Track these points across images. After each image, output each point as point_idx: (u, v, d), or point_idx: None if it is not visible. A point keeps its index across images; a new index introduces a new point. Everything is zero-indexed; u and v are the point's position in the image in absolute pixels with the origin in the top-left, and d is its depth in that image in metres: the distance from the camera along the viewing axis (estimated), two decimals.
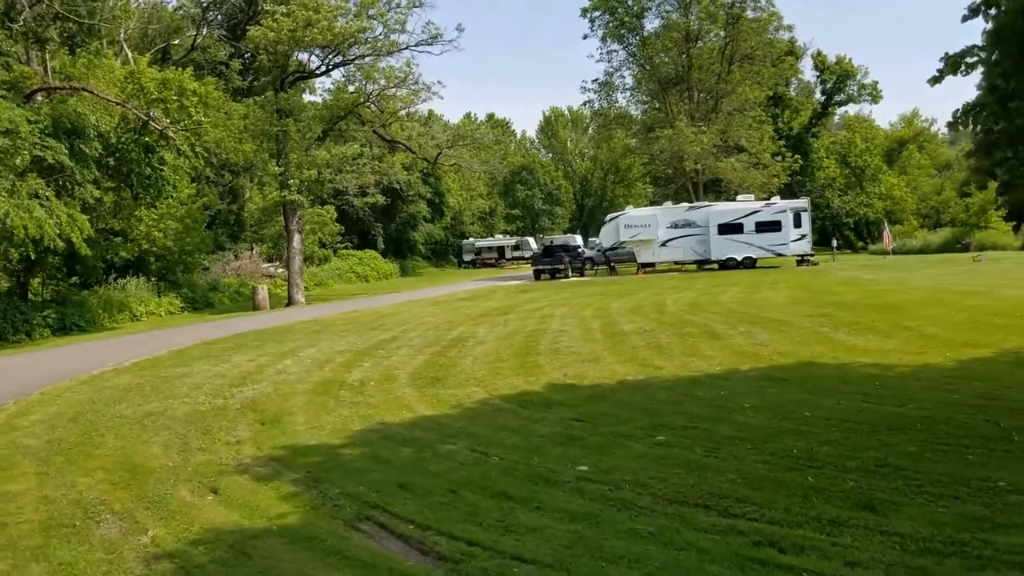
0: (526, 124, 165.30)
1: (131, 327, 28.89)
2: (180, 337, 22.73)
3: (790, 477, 7.06)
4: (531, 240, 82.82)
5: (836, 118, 79.02)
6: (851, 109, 77.62)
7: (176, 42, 55.12)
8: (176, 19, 56.75)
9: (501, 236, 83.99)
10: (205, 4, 56.45)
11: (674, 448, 8.21)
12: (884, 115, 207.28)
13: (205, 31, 54.32)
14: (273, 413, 11.35)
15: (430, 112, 73.82)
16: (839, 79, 67.33)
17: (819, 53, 66.46)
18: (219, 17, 57.57)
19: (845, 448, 7.80)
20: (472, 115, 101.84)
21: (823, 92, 69.84)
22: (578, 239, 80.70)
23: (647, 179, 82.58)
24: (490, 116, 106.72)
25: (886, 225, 52.48)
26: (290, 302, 36.24)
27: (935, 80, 9.28)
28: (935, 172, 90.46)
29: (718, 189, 54.56)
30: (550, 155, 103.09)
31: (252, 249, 53.27)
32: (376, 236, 62.74)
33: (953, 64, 8.96)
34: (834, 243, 53.28)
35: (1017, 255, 42.63)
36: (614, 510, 6.56)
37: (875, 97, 67.80)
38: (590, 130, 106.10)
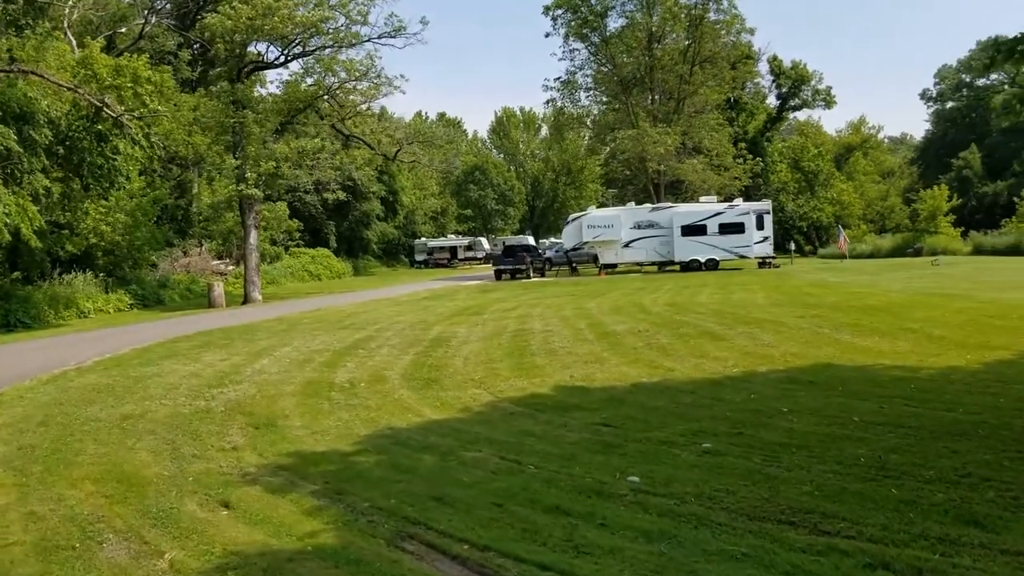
0: (477, 124, 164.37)
1: (80, 324, 27.45)
2: (138, 335, 21.53)
3: (871, 489, 6.50)
4: (484, 240, 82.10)
5: (786, 124, 79.81)
6: (804, 114, 78.52)
7: (123, 30, 53.12)
8: (122, 7, 54.71)
9: (454, 236, 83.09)
10: None
11: (727, 457, 7.60)
12: (829, 122, 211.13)
13: (154, 20, 52.42)
14: (264, 416, 10.50)
15: (383, 109, 72.53)
16: (794, 84, 67.95)
17: (775, 58, 67.04)
18: (168, 6, 55.71)
19: (915, 456, 7.28)
20: (423, 114, 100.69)
21: (778, 97, 70.38)
22: (530, 239, 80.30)
23: (601, 181, 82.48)
24: (441, 115, 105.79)
25: (841, 229, 52.87)
26: (246, 300, 34.94)
27: (985, 68, 8.86)
28: (879, 179, 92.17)
29: (677, 191, 54.47)
30: (502, 155, 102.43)
31: (201, 245, 51.58)
32: (329, 234, 61.32)
33: (1008, 51, 8.53)
34: (792, 246, 53.54)
35: (969, 259, 43.21)
36: (690, 528, 5.92)
37: (829, 103, 68.54)
38: (543, 131, 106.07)
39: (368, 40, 36.24)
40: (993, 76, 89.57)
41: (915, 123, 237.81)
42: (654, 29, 52.37)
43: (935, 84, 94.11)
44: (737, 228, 41.56)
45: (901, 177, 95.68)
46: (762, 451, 7.70)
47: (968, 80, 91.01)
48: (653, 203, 47.22)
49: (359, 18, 35.83)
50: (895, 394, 9.71)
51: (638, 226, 43.02)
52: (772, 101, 72.14)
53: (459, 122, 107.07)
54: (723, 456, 7.62)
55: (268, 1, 33.22)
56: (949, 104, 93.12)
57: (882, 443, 7.72)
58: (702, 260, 41.79)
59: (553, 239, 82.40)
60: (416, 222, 79.29)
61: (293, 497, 7.09)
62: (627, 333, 16.34)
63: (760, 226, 41.79)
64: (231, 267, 50.68)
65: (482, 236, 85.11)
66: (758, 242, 41.85)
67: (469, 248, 78.79)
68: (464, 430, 9.25)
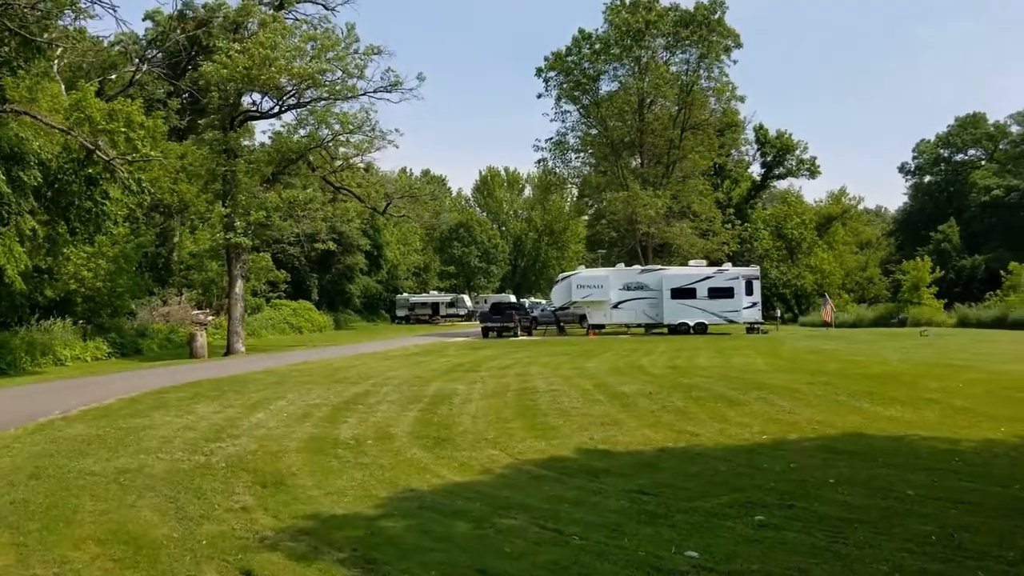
0: (460, 182, 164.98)
1: (57, 372, 26.58)
2: (121, 385, 20.76)
3: (954, 571, 6.01)
4: (466, 298, 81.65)
5: (767, 192, 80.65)
6: (785, 183, 79.38)
7: (112, 77, 52.91)
8: (112, 55, 54.55)
9: (436, 292, 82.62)
10: (146, 42, 54.57)
11: (785, 531, 7.08)
12: (808, 192, 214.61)
13: (144, 67, 52.31)
14: (269, 473, 9.87)
15: (369, 164, 72.45)
16: (779, 152, 68.83)
17: (761, 126, 68.02)
18: (159, 55, 55.65)
19: (990, 536, 6.81)
20: (408, 170, 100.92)
21: (763, 165, 71.26)
22: (512, 298, 79.96)
23: (585, 242, 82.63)
24: (425, 172, 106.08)
25: (828, 298, 52.93)
26: (229, 351, 34.15)
27: None
28: (857, 249, 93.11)
29: (662, 254, 54.46)
30: (485, 214, 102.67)
31: (181, 295, 50.68)
32: (311, 287, 60.64)
33: None
34: (778, 313, 53.52)
35: (957, 331, 43.24)
36: None
37: (813, 172, 69.46)
38: (527, 191, 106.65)
39: (364, 94, 36.21)
40: (971, 151, 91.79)
41: (890, 196, 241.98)
42: (645, 94, 52.92)
43: (913, 158, 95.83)
44: (727, 293, 41.44)
45: (879, 248, 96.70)
46: (821, 526, 7.20)
47: (946, 155, 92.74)
48: (641, 265, 47.09)
49: (356, 71, 35.83)
50: (941, 467, 9.27)
51: (627, 287, 42.80)
52: (756, 169, 73.05)
53: (444, 179, 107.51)
54: (782, 531, 7.11)
55: (265, 52, 33.14)
56: (927, 178, 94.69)
57: (949, 520, 7.25)
58: (691, 324, 41.54)
59: (533, 299, 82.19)
60: (398, 277, 78.79)
61: (321, 566, 6.47)
62: (637, 395, 15.85)
63: (749, 291, 41.70)
64: (211, 317, 49.75)
65: (464, 293, 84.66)
66: (747, 307, 41.71)
67: (451, 305, 78.29)
68: (492, 494, 8.68)
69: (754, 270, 44.52)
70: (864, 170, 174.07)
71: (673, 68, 54.09)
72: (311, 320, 58.05)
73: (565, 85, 54.67)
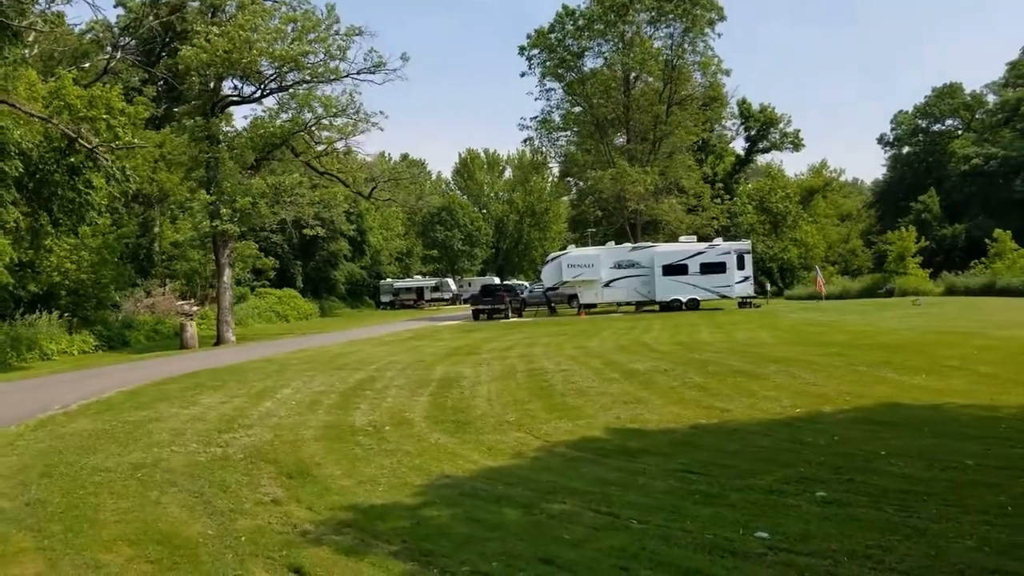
0: (439, 166, 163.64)
1: (45, 367, 25.91)
2: (116, 377, 20.24)
3: None
4: (451, 281, 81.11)
5: (750, 167, 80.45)
6: (766, 158, 79.20)
7: (86, 66, 51.70)
8: (84, 44, 53.31)
9: (420, 277, 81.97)
10: (118, 29, 53.36)
11: (852, 507, 6.79)
12: (788, 166, 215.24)
13: (119, 55, 51.15)
14: (292, 464, 9.49)
15: (348, 148, 71.58)
16: (763, 126, 68.62)
17: (744, 100, 67.62)
18: (133, 42, 54.46)
19: None
20: (387, 155, 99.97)
21: (747, 139, 71.05)
22: (496, 280, 79.55)
23: (568, 222, 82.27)
24: (404, 156, 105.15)
25: (819, 270, 52.93)
26: (219, 341, 33.54)
27: None
28: (838, 222, 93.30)
29: (650, 231, 54.11)
30: (466, 196, 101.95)
31: (165, 285, 49.92)
32: (296, 274, 59.90)
33: None
34: (768, 287, 53.45)
35: (947, 299, 43.23)
36: None
37: (796, 145, 69.28)
38: (507, 173, 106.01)
39: (347, 76, 35.50)
40: (948, 121, 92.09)
41: (865, 168, 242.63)
42: (631, 69, 52.41)
43: (892, 129, 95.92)
44: (719, 268, 41.19)
45: (859, 220, 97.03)
46: (888, 500, 6.92)
47: (924, 125, 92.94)
48: (631, 243, 46.72)
49: (338, 53, 35.14)
50: (990, 435, 9.04)
51: (618, 265, 42.48)
52: (740, 144, 72.82)
53: (423, 163, 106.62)
54: (848, 507, 6.81)
55: (246, 34, 32.40)
56: (906, 149, 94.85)
57: (1018, 489, 6.99)
58: (683, 300, 41.30)
59: (516, 280, 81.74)
60: (381, 263, 78.08)
61: (374, 560, 6.10)
62: (652, 372, 15.56)
63: (741, 266, 41.49)
64: (196, 307, 49.05)
65: (448, 277, 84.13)
66: (739, 282, 41.48)
67: (436, 289, 77.74)
68: (531, 478, 8.34)
69: (745, 244, 44.29)
70: (841, 142, 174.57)
71: (657, 43, 53.70)
72: (297, 308, 57.37)
73: (549, 63, 54.08)
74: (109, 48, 52.61)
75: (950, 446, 8.57)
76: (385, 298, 76.64)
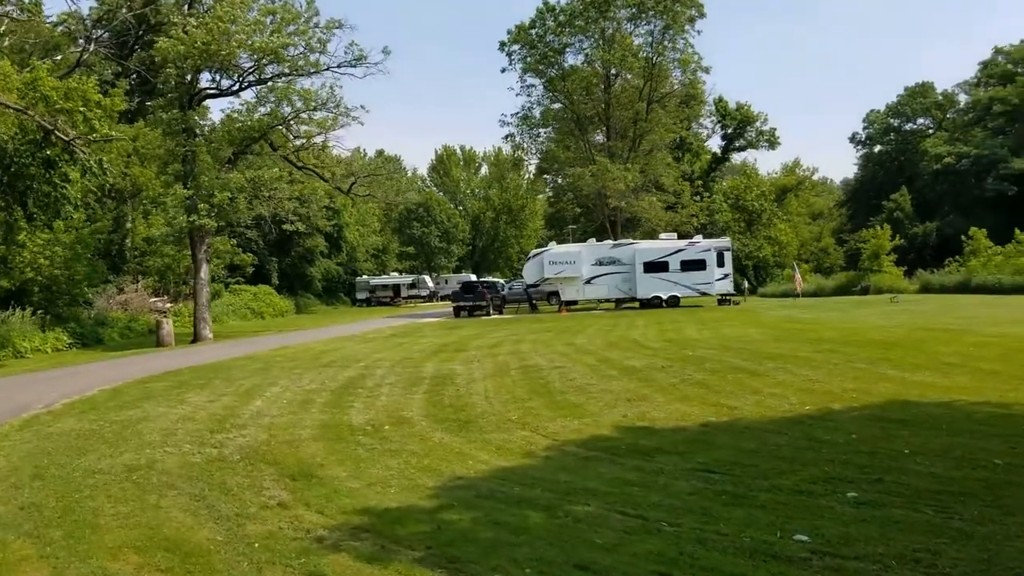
0: (414, 163, 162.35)
1: (21, 365, 25.23)
2: (95, 375, 19.75)
3: None
4: (427, 279, 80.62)
5: (725, 165, 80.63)
6: (743, 156, 79.41)
7: (58, 58, 50.64)
8: (56, 36, 52.24)
9: (396, 274, 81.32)
10: (91, 22, 52.34)
11: (888, 508, 6.60)
12: (760, 164, 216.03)
13: (92, 47, 50.15)
14: (294, 465, 9.18)
15: (324, 144, 70.84)
16: (740, 124, 68.82)
17: (721, 99, 67.71)
18: (106, 35, 53.46)
19: None
20: (361, 150, 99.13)
21: (724, 137, 71.18)
22: (472, 277, 79.19)
23: (545, 219, 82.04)
24: (379, 152, 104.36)
25: (797, 268, 53.15)
26: (196, 338, 32.93)
27: None
28: (809, 220, 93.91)
29: (628, 228, 54.04)
30: (442, 193, 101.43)
31: (137, 282, 49.04)
32: (271, 271, 59.11)
33: None
34: (745, 285, 53.60)
35: (924, 297, 43.52)
36: None
37: (772, 144, 69.56)
38: (483, 169, 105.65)
39: (328, 69, 34.99)
40: (920, 120, 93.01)
41: (836, 167, 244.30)
42: (612, 66, 52.25)
43: (864, 128, 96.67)
44: (699, 265, 41.15)
45: (830, 219, 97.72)
46: (924, 501, 6.74)
47: (896, 124, 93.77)
48: (611, 240, 46.57)
49: (318, 46, 34.63)
50: (1011, 433, 8.91)
51: (600, 262, 42.33)
52: (717, 142, 72.99)
53: (399, 159, 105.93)
54: (883, 508, 6.62)
55: (225, 25, 31.81)
56: (877, 147, 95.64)
57: None
58: (664, 297, 41.23)
59: (491, 278, 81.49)
60: (357, 259, 77.30)
61: (399, 567, 5.81)
62: (650, 369, 15.36)
63: (720, 263, 41.48)
64: (170, 304, 48.33)
65: (425, 274, 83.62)
66: (719, 279, 41.48)
67: (412, 286, 77.15)
68: (547, 479, 8.08)
69: (725, 241, 44.32)
70: (812, 141, 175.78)
71: (638, 40, 53.61)
72: (272, 305, 56.66)
73: (530, 59, 53.79)
74: (81, 41, 51.62)
75: (973, 444, 8.42)
76: (361, 295, 75.89)
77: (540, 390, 13.73)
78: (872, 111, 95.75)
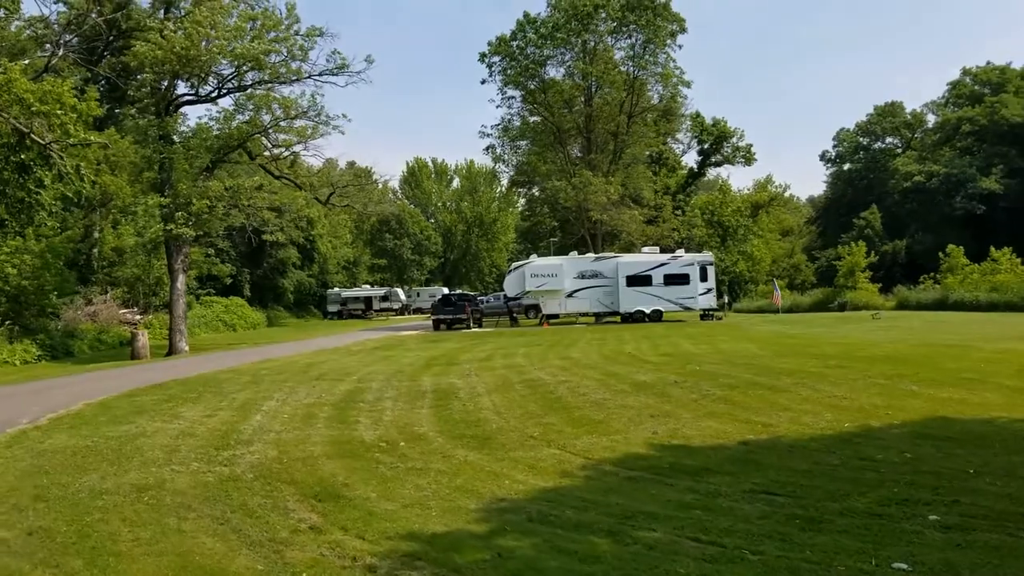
0: (385, 174, 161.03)
1: None
2: (77, 388, 18.91)
3: None
4: (400, 291, 79.79)
5: (701, 180, 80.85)
6: (716, 172, 79.66)
7: (25, 63, 49.34)
8: (22, 40, 50.94)
9: (368, 287, 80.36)
10: (59, 26, 51.14)
11: (976, 533, 6.21)
12: (734, 180, 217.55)
13: (60, 52, 48.97)
14: (315, 484, 8.62)
15: (296, 156, 69.88)
16: (716, 140, 69.05)
17: (697, 114, 67.80)
18: (75, 40, 52.27)
19: None
20: (333, 161, 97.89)
21: (700, 152, 71.32)
22: (445, 291, 78.51)
23: (518, 232, 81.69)
24: (351, 164, 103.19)
25: (776, 284, 53.20)
26: (172, 351, 31.99)
27: None
28: (779, 237, 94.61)
29: (608, 241, 53.70)
30: (414, 205, 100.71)
31: (106, 293, 47.76)
32: (243, 282, 57.96)
33: None
34: (725, 299, 53.54)
35: (902, 314, 43.63)
36: None
37: (748, 159, 69.84)
38: (455, 182, 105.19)
39: (309, 77, 34.36)
40: (889, 139, 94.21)
41: (809, 185, 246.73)
42: (593, 80, 52.05)
43: (834, 146, 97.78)
44: (682, 279, 40.93)
45: (800, 236, 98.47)
46: (1013, 524, 6.35)
47: (865, 143, 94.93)
48: (592, 253, 46.22)
49: (300, 53, 33.99)
50: None
51: (582, 276, 41.93)
52: (693, 157, 73.16)
53: (370, 171, 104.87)
54: (973, 532, 6.21)
55: (205, 31, 31.08)
56: (847, 165, 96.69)
57: None
58: (647, 311, 40.91)
59: (461, 291, 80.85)
60: (328, 271, 76.25)
61: None
62: (662, 384, 14.90)
63: (704, 277, 41.31)
64: (139, 316, 47.19)
65: (397, 287, 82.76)
66: (702, 294, 41.28)
67: (384, 299, 76.29)
68: (598, 501, 7.59)
69: (708, 256, 44.18)
70: (782, 159, 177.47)
71: (619, 54, 53.56)
72: (244, 317, 55.57)
73: (510, 71, 53.46)
74: (49, 46, 50.43)
75: None
76: (332, 308, 74.85)
77: (554, 405, 13.23)
78: (842, 130, 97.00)
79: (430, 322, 45.99)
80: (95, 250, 49.38)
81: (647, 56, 51.78)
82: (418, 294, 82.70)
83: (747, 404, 12.27)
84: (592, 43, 52.37)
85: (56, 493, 8.42)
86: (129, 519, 7.46)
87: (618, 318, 42.15)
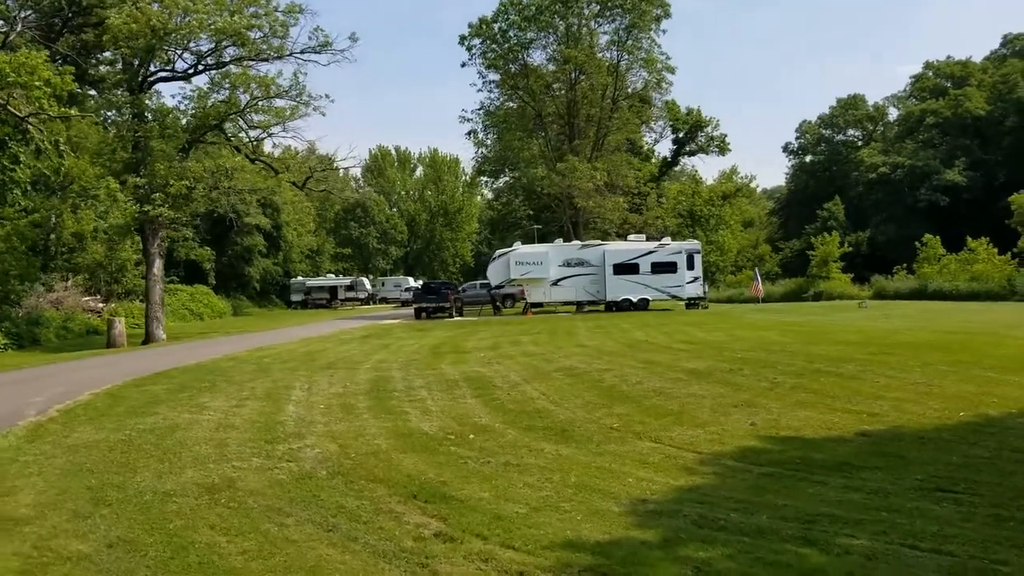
0: (346, 162, 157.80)
1: None
2: (66, 378, 17.60)
3: None
4: (366, 281, 78.15)
5: (674, 169, 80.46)
6: (683, 162, 79.05)
7: None
8: None
9: (333, 276, 78.48)
10: (15, 2, 48.75)
11: None
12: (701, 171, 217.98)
13: (19, 29, 46.64)
14: (405, 482, 7.71)
15: (260, 141, 67.94)
16: (691, 129, 68.63)
17: (672, 102, 67.03)
18: (32, 16, 49.87)
19: None
20: (293, 148, 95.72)
21: (675, 141, 70.85)
22: (410, 280, 77.22)
23: (479, 222, 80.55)
24: (311, 150, 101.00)
25: (757, 273, 52.92)
26: (148, 339, 30.47)
27: None
28: (742, 228, 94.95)
29: (589, 229, 52.75)
30: (378, 194, 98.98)
31: (67, 280, 45.67)
32: (208, 270, 55.85)
33: None
34: (706, 288, 53.13)
35: (886, 303, 43.49)
36: None
37: (723, 149, 69.49)
38: (418, 171, 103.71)
39: (291, 55, 32.93)
40: (851, 132, 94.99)
41: (766, 176, 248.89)
42: (577, 64, 51.03)
43: (796, 138, 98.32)
44: (669, 267, 40.25)
45: (763, 227, 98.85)
46: None
47: (828, 135, 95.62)
48: (577, 241, 45.31)
49: (281, 30, 32.54)
50: None
51: (567, 264, 41.01)
52: (667, 146, 72.65)
53: (332, 158, 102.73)
54: None
55: (185, 3, 29.53)
56: (809, 157, 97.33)
57: None
58: (634, 299, 40.14)
59: (424, 280, 79.46)
60: (292, 260, 74.19)
61: None
62: (720, 371, 14.04)
63: (691, 266, 40.70)
64: (102, 304, 45.32)
65: (362, 276, 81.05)
66: (689, 282, 40.64)
67: (350, 288, 74.48)
68: (754, 501, 6.73)
69: (695, 244, 43.60)
70: (743, 150, 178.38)
71: (604, 39, 52.70)
72: (211, 306, 53.63)
73: (491, 54, 52.25)
74: (3, 22, 48.03)
75: None
76: (296, 297, 72.82)
77: (611, 394, 12.34)
78: (804, 122, 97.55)
79: (401, 311, 44.81)
80: (52, 235, 47.22)
81: (631, 41, 50.96)
82: (383, 283, 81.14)
83: (833, 392, 11.47)
84: (576, 26, 51.42)
85: (115, 496, 7.32)
86: (218, 526, 6.41)
87: (601, 307, 41.38)
